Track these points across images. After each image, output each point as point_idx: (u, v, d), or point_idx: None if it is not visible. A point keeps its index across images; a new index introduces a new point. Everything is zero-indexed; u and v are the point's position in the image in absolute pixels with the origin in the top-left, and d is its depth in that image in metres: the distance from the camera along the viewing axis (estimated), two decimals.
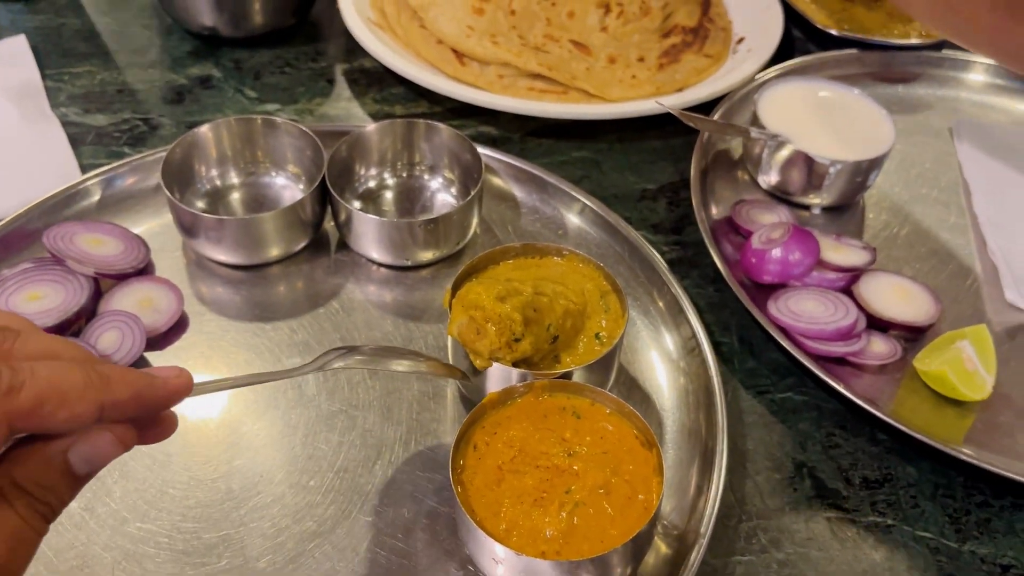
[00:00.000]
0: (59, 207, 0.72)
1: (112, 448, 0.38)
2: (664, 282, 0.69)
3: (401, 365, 0.55)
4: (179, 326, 0.67)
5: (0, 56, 0.89)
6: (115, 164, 0.75)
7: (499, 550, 0.49)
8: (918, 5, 0.72)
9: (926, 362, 0.66)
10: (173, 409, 0.42)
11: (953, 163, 0.87)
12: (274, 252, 0.71)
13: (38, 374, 0.35)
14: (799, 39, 1.00)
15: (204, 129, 0.72)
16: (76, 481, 0.37)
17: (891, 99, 0.92)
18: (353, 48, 0.94)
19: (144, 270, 0.70)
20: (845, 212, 0.81)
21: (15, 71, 0.87)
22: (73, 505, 0.55)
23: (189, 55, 0.93)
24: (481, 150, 0.74)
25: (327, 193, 0.71)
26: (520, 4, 0.93)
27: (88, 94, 0.87)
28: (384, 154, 0.76)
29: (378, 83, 0.91)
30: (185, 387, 0.41)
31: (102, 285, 0.67)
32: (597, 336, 0.61)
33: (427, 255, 0.71)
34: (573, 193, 0.76)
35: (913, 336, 0.69)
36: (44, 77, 0.88)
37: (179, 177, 0.72)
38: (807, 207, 0.80)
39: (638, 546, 0.51)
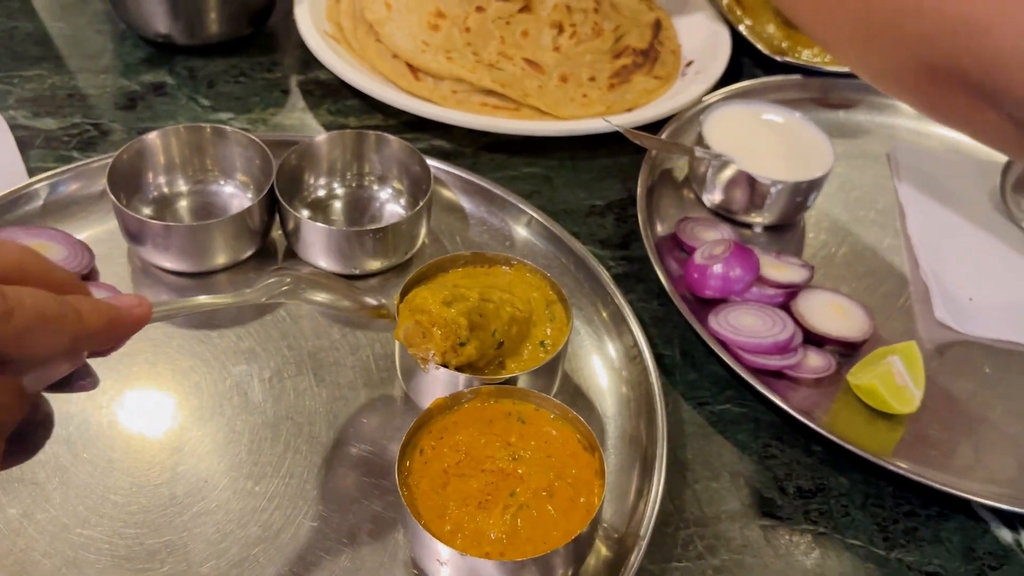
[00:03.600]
0: (2, 211, 0.71)
1: (62, 369, 0.42)
2: (608, 293, 0.70)
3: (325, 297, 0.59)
4: None
5: None
6: (61, 169, 0.74)
7: (444, 551, 0.50)
8: (861, 69, 0.74)
9: (858, 376, 0.68)
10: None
11: (889, 187, 0.90)
12: (221, 260, 0.70)
13: (25, 303, 0.36)
14: (746, 64, 1.03)
15: (153, 136, 0.72)
16: (27, 399, 0.40)
17: (831, 124, 0.95)
18: (308, 60, 0.94)
19: (88, 276, 0.69)
20: (786, 231, 0.83)
21: None
22: (11, 511, 0.55)
23: (142, 62, 0.92)
24: (431, 162, 0.75)
25: (275, 202, 0.71)
26: (475, 22, 0.95)
27: (38, 98, 0.86)
28: (334, 164, 0.77)
29: (333, 95, 0.92)
30: (146, 315, 0.44)
31: None
32: (542, 344, 0.62)
33: (375, 264, 0.72)
34: (521, 206, 0.77)
35: (847, 351, 0.72)
36: None
37: (126, 183, 0.71)
38: (749, 226, 0.82)
39: (580, 547, 0.52)
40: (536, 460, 0.55)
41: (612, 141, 0.89)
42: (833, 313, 0.73)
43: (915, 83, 0.69)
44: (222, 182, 0.76)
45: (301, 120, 0.89)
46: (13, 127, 0.82)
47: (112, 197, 0.67)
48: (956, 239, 0.84)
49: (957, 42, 0.64)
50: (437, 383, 0.59)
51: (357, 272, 0.71)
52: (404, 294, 0.62)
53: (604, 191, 0.85)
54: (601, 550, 0.57)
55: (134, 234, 0.69)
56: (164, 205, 0.74)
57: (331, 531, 0.57)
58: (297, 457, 0.60)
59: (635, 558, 0.55)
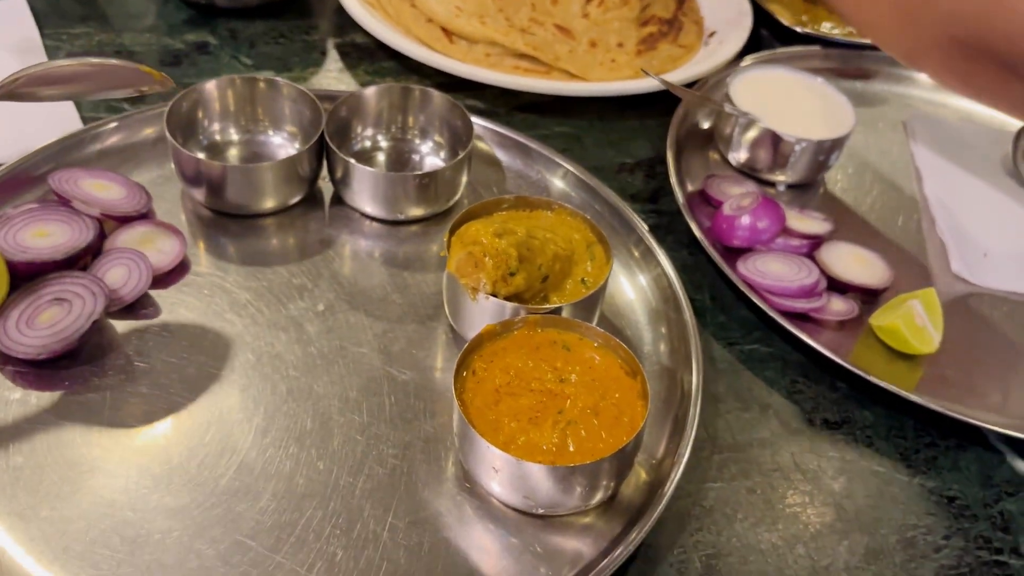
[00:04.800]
0: (62, 154, 0.74)
1: None
2: (642, 239, 0.74)
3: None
4: (181, 267, 0.69)
5: None
6: (117, 116, 0.77)
7: (499, 458, 0.53)
8: (892, 46, 0.78)
9: (880, 319, 0.72)
10: None
11: (905, 152, 0.93)
12: (270, 203, 0.74)
13: None
14: (766, 37, 1.06)
15: (210, 85, 0.76)
16: None
17: (850, 93, 0.97)
18: (344, 24, 0.98)
19: (146, 215, 0.72)
20: (807, 190, 0.87)
21: (14, 29, 0.89)
22: (70, 426, 0.58)
23: (185, 23, 0.96)
24: (471, 117, 0.78)
25: (324, 149, 0.74)
26: None
27: (87, 53, 0.89)
28: (380, 116, 0.80)
29: (369, 57, 0.95)
30: None
31: (105, 227, 0.70)
32: (583, 281, 0.65)
33: (418, 211, 0.75)
34: (557, 160, 0.80)
35: (869, 299, 0.75)
36: (42, 36, 0.90)
37: (182, 128, 0.74)
38: (773, 184, 0.86)
39: (624, 460, 0.55)
40: (581, 383, 0.58)
41: (640, 104, 0.92)
42: (855, 263, 0.76)
43: (945, 59, 0.73)
44: (271, 133, 0.79)
45: (339, 80, 0.93)
46: None
47: (170, 137, 0.70)
48: (971, 200, 0.88)
49: (986, 18, 0.68)
50: (484, 315, 0.63)
51: (401, 217, 0.75)
52: (453, 231, 0.65)
53: (633, 150, 0.88)
54: (641, 474, 0.60)
55: (189, 176, 0.72)
56: (216, 152, 0.77)
57: (386, 447, 0.60)
58: (352, 381, 0.63)
59: (674, 475, 0.58)
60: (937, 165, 0.91)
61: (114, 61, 0.65)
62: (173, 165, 0.73)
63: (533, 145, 0.81)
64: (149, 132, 0.78)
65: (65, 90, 0.68)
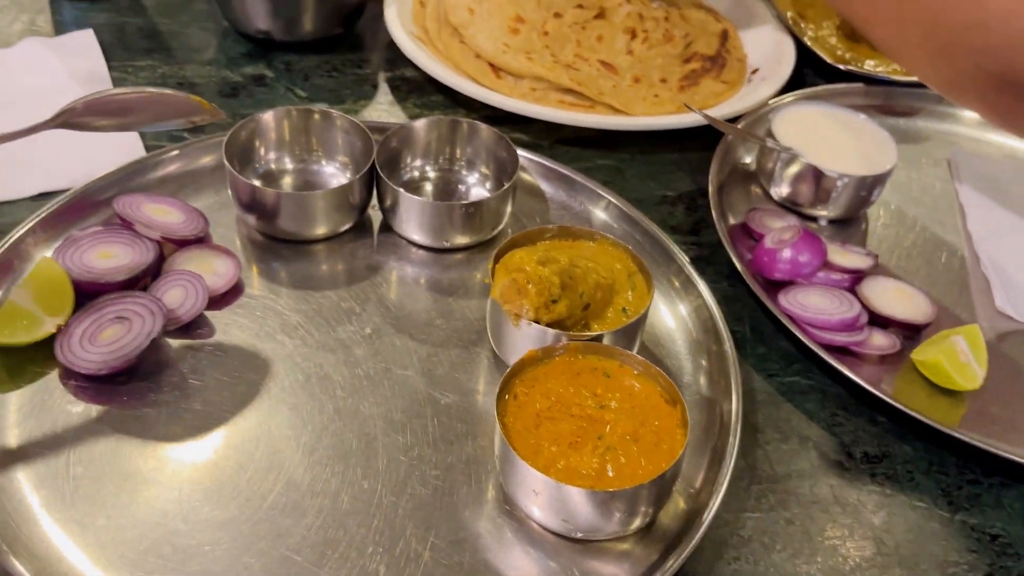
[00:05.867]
0: (126, 180, 0.78)
1: None
2: (683, 270, 0.75)
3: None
4: (236, 289, 0.72)
5: (69, 47, 0.95)
6: (178, 144, 0.81)
7: (539, 481, 0.54)
8: (931, 80, 0.79)
9: (923, 353, 0.71)
10: None
11: (949, 189, 0.93)
12: (322, 230, 0.76)
13: None
14: (808, 74, 1.07)
15: (267, 115, 0.79)
16: None
17: (893, 130, 0.98)
18: (395, 59, 1.01)
19: (202, 239, 0.75)
20: (849, 225, 0.87)
21: (83, 61, 0.94)
22: (130, 437, 0.60)
23: (243, 56, 0.99)
24: (516, 149, 0.80)
25: (374, 179, 0.77)
26: (553, 26, 1.01)
27: (151, 85, 0.93)
28: (428, 147, 0.82)
29: (418, 91, 0.98)
30: None
31: (165, 250, 0.73)
32: (624, 310, 0.66)
33: (464, 239, 0.77)
34: (599, 191, 0.82)
35: (910, 334, 0.75)
36: (110, 69, 0.94)
37: (240, 156, 0.78)
38: (815, 219, 0.86)
39: (663, 487, 0.56)
40: (621, 409, 0.59)
41: (681, 138, 0.94)
42: (897, 297, 0.76)
43: (981, 92, 0.74)
44: (324, 162, 0.82)
45: (389, 112, 0.95)
46: None
47: (227, 164, 0.73)
48: (1016, 237, 0.87)
49: (1014, 54, 0.69)
50: (526, 341, 0.64)
51: (447, 245, 0.77)
52: (498, 259, 0.67)
53: (674, 183, 0.90)
54: (679, 503, 0.61)
55: (245, 202, 0.74)
56: (270, 180, 0.80)
57: (428, 468, 0.61)
58: (397, 403, 0.65)
59: (713, 503, 0.58)
60: (981, 202, 0.91)
61: (168, 91, 0.69)
62: (230, 191, 0.76)
63: (576, 177, 0.83)
64: (207, 160, 0.81)
65: (120, 120, 0.71)
